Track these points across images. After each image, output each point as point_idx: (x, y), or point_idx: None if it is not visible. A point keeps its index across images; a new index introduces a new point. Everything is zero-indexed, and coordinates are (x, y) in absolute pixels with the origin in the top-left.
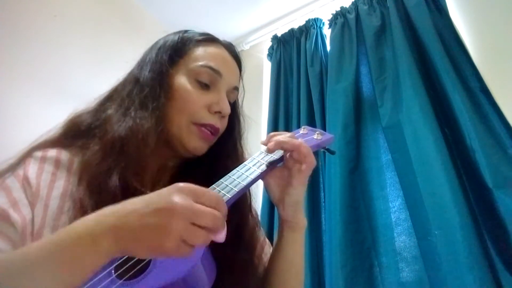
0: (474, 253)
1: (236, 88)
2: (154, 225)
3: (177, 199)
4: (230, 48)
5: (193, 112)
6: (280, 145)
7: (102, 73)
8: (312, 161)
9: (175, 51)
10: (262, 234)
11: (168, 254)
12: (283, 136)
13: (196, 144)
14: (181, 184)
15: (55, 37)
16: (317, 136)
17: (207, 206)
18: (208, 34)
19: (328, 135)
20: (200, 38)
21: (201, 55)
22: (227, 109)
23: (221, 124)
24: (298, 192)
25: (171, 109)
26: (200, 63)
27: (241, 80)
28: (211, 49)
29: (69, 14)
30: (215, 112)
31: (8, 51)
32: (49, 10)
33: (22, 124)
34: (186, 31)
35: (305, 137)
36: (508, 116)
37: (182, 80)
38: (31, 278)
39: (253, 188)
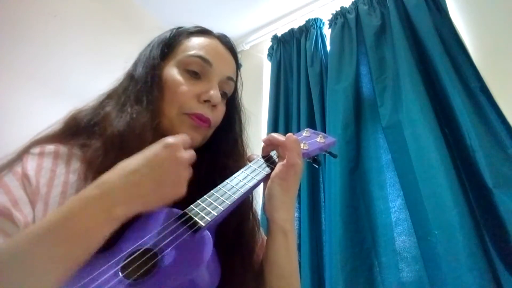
0: (474, 253)
1: (230, 79)
2: (170, 179)
3: (178, 153)
4: (223, 39)
5: (182, 102)
6: (269, 141)
7: (102, 73)
8: (291, 157)
9: (166, 45)
10: (261, 234)
11: (179, 197)
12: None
13: (188, 133)
14: (169, 139)
15: (55, 37)
16: (320, 139)
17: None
18: (200, 27)
19: (330, 139)
20: (192, 30)
21: (191, 45)
22: (216, 98)
23: (212, 115)
24: (274, 186)
25: (163, 101)
26: (190, 53)
27: (239, 74)
28: (202, 40)
29: (69, 14)
30: (205, 101)
31: (8, 51)
32: (49, 10)
33: (22, 123)
34: (180, 27)
35: (308, 140)
36: (508, 116)
37: (171, 71)
38: (35, 256)
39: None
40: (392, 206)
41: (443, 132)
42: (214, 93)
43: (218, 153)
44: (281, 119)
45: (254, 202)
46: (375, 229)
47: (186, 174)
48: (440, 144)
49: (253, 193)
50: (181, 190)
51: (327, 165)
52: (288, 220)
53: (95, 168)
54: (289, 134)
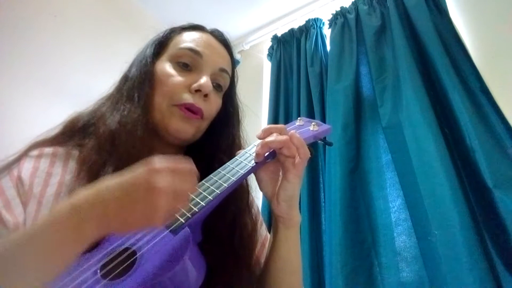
0: (474, 253)
1: (223, 71)
2: (139, 209)
3: (161, 181)
4: (216, 33)
5: (172, 93)
6: (267, 147)
7: (102, 73)
8: (305, 153)
9: (160, 43)
10: (264, 230)
11: (156, 227)
12: (270, 136)
13: (178, 125)
14: (156, 163)
15: (55, 37)
16: (313, 127)
17: (182, 179)
18: (193, 23)
19: (324, 126)
20: (185, 26)
21: (182, 39)
22: (207, 87)
23: (204, 105)
24: (294, 186)
25: (154, 95)
26: (180, 46)
27: (235, 69)
28: (193, 34)
29: (69, 14)
30: (196, 91)
31: (8, 51)
32: (49, 10)
33: (22, 124)
34: (173, 27)
35: (301, 129)
36: (508, 116)
37: (163, 66)
38: (8, 267)
39: (253, 185)
40: (392, 206)
41: (443, 132)
42: (204, 82)
43: (216, 149)
44: (281, 119)
45: (253, 197)
46: (375, 229)
47: (165, 205)
48: (440, 144)
49: (251, 188)
50: (154, 222)
51: (327, 165)
52: (298, 214)
53: (88, 166)
54: (288, 131)
